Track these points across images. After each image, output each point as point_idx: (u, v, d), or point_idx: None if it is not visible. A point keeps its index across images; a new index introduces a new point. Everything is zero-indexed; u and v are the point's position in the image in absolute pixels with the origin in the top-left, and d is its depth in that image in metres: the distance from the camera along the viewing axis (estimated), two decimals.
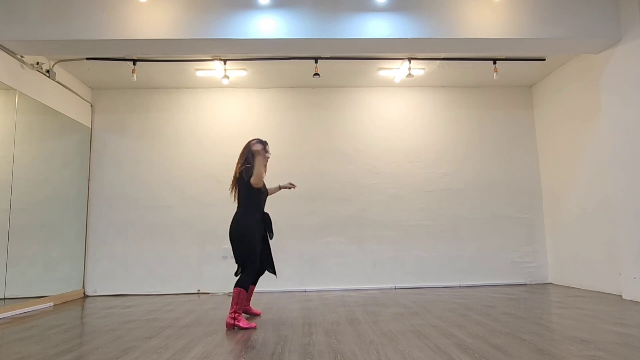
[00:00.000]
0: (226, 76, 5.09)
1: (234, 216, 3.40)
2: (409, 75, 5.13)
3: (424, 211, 5.65)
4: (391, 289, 5.38)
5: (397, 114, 5.83)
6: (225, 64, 4.98)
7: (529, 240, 5.67)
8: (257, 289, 5.38)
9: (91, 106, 5.67)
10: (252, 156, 3.44)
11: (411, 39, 4.10)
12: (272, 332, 3.00)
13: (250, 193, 3.39)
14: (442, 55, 4.99)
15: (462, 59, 5.08)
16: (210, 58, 4.92)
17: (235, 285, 3.21)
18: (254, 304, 4.33)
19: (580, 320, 3.17)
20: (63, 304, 4.71)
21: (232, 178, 3.55)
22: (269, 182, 5.61)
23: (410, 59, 4.99)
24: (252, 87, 5.77)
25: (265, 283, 5.37)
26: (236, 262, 3.34)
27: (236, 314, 3.18)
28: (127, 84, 5.61)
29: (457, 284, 5.50)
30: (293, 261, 5.48)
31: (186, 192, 5.56)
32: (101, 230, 5.45)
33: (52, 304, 4.60)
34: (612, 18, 4.16)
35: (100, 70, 5.15)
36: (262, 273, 3.61)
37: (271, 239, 3.57)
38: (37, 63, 4.60)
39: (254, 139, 3.56)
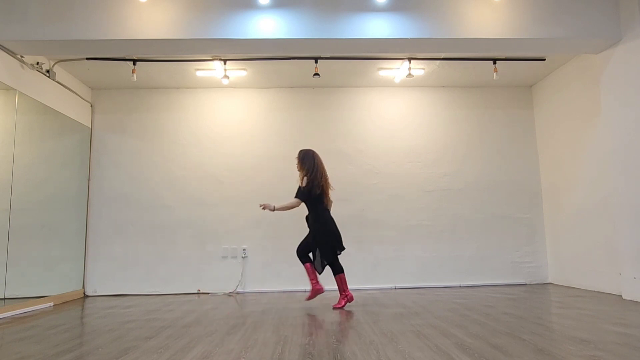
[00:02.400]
0: (226, 76, 5.09)
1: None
2: (409, 75, 5.13)
3: (424, 211, 5.64)
4: (391, 289, 5.38)
5: (397, 114, 5.83)
6: (225, 64, 4.98)
7: (529, 240, 5.67)
8: (257, 289, 5.39)
9: (91, 106, 5.67)
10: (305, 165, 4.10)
11: (411, 39, 4.10)
12: (272, 332, 3.00)
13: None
14: (442, 55, 4.98)
15: (462, 59, 5.08)
16: (210, 58, 4.92)
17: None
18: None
19: (580, 320, 3.17)
20: (63, 304, 4.71)
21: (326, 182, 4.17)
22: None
23: (410, 59, 4.99)
24: (252, 87, 5.77)
25: (265, 283, 5.38)
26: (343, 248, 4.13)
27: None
28: (127, 84, 5.61)
29: (457, 284, 5.50)
30: (293, 261, 5.46)
31: (186, 192, 5.56)
32: (101, 230, 5.45)
33: (52, 304, 4.60)
34: (612, 18, 4.16)
35: (100, 70, 5.15)
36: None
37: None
38: (37, 63, 4.60)
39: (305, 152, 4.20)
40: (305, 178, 4.05)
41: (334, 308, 3.95)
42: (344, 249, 4.12)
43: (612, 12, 4.17)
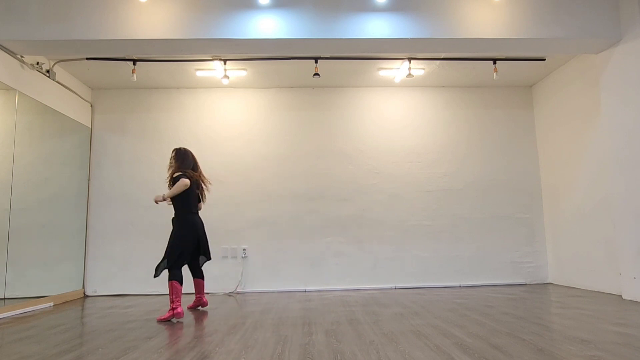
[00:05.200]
0: (226, 76, 5.09)
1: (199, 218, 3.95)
2: (409, 75, 5.13)
3: (424, 211, 5.65)
4: (391, 289, 5.38)
5: (397, 114, 5.83)
6: (225, 64, 4.98)
7: (529, 240, 5.67)
8: (257, 289, 5.39)
9: (91, 106, 5.67)
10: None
11: (411, 39, 4.10)
12: (272, 332, 3.00)
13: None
14: (442, 55, 4.99)
15: (462, 59, 5.08)
16: (210, 58, 4.92)
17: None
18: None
19: (580, 320, 3.17)
20: (63, 304, 4.71)
21: (198, 181, 3.98)
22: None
23: (410, 59, 4.99)
24: (252, 87, 5.77)
25: (265, 283, 5.39)
26: (208, 258, 4.04)
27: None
28: (127, 84, 5.61)
29: (457, 284, 5.50)
30: (293, 261, 5.48)
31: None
32: (101, 230, 5.45)
33: (52, 304, 4.60)
34: (612, 18, 4.16)
35: (100, 70, 5.15)
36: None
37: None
38: (37, 63, 4.60)
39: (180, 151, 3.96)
40: (173, 173, 3.79)
41: (159, 320, 3.52)
42: (208, 258, 4.00)
43: (612, 12, 4.17)
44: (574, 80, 5.08)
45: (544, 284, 5.52)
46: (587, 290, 4.83)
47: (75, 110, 5.30)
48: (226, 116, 5.73)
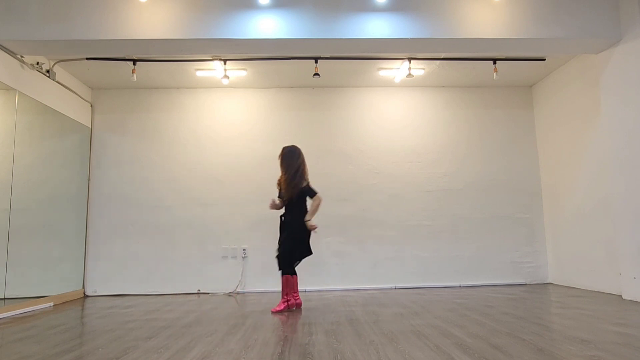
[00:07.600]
0: (226, 76, 5.09)
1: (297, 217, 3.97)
2: (409, 75, 5.13)
3: (424, 211, 5.64)
4: (391, 289, 5.38)
5: (397, 114, 5.83)
6: (225, 64, 4.98)
7: (529, 240, 5.67)
8: (257, 289, 5.40)
9: (91, 106, 5.67)
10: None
11: (411, 39, 4.10)
12: (272, 332, 3.00)
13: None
14: (442, 55, 4.99)
15: (462, 59, 5.08)
16: (210, 58, 4.92)
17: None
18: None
19: (580, 320, 3.17)
20: (63, 304, 4.71)
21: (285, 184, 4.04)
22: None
23: (410, 59, 4.99)
24: (252, 87, 5.77)
25: (265, 283, 5.38)
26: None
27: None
28: (127, 84, 5.61)
29: (457, 284, 5.50)
30: None
31: (186, 192, 5.56)
32: (101, 230, 5.45)
33: (52, 304, 4.60)
34: (612, 18, 4.16)
35: (100, 70, 5.15)
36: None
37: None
38: (37, 63, 4.60)
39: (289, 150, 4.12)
40: (306, 177, 4.07)
41: (273, 312, 3.82)
42: (311, 253, 4.06)
43: (612, 12, 4.17)
44: (574, 80, 5.08)
45: (544, 284, 5.52)
46: (587, 290, 4.83)
47: (75, 110, 5.30)
48: (226, 116, 5.73)
